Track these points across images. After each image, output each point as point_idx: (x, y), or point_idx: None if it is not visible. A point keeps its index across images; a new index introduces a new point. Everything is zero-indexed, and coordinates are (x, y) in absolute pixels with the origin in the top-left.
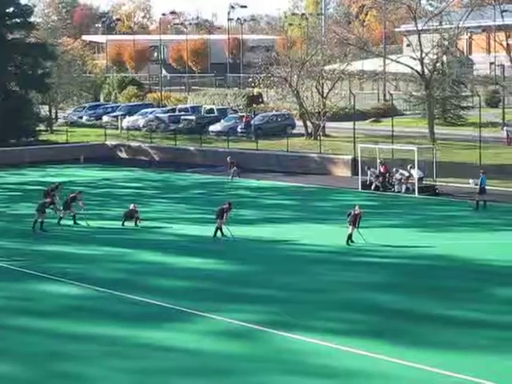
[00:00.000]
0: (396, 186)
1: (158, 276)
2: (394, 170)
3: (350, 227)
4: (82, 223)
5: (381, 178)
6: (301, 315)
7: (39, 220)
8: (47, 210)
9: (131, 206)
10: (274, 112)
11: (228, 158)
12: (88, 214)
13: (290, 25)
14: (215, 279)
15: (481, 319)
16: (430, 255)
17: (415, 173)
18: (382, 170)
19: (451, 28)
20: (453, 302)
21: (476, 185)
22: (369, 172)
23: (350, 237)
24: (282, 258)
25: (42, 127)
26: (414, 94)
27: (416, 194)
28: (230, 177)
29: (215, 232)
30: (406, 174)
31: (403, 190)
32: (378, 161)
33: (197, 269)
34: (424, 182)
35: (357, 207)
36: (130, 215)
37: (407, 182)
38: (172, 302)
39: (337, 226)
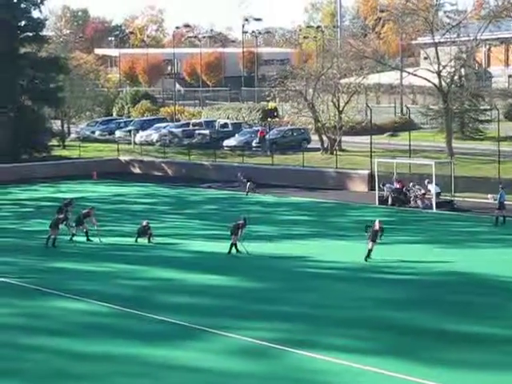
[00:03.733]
0: (412, 202)
1: (172, 293)
2: (411, 184)
3: (370, 243)
4: (95, 240)
5: (397, 194)
6: (316, 333)
7: (52, 236)
8: (61, 227)
9: (144, 223)
10: (290, 126)
11: (238, 174)
12: (101, 230)
13: (305, 38)
14: (229, 296)
15: (500, 336)
16: (448, 271)
17: (432, 188)
18: (397, 186)
19: (469, 40)
20: (471, 318)
21: (495, 200)
22: (385, 188)
23: (369, 253)
24: (298, 274)
25: (54, 142)
26: (431, 107)
27: (434, 210)
28: (245, 192)
29: (230, 248)
30: (422, 190)
31: (421, 206)
32: (394, 177)
33: (211, 286)
34: (441, 197)
35: (376, 222)
36: (143, 232)
37: (423, 198)
38: (186, 319)
39: (354, 242)
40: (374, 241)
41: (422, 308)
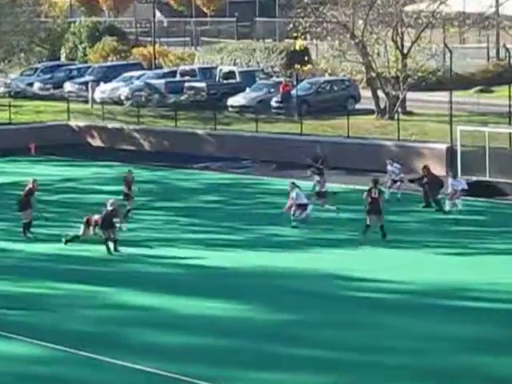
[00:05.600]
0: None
1: (153, 328)
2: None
3: None
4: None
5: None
6: None
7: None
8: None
9: (109, 206)
10: (328, 77)
11: (318, 150)
12: (38, 232)
13: None
14: (237, 333)
15: None
16: None
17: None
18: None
19: None
20: None
21: None
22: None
23: None
24: (338, 300)
25: None
26: None
27: None
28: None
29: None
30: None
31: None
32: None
33: (210, 317)
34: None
35: None
36: (108, 221)
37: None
38: (175, 367)
39: (421, 251)
40: None
41: None
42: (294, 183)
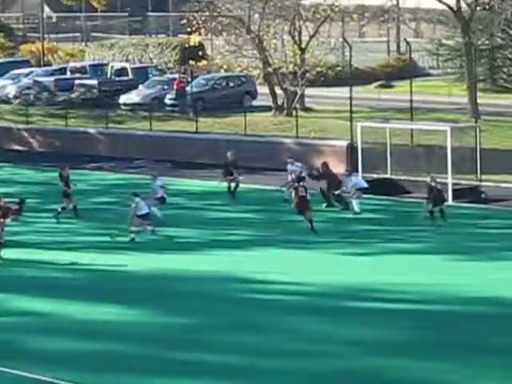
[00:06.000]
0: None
1: (43, 334)
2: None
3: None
4: None
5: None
6: None
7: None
8: None
9: None
10: (224, 73)
11: (228, 155)
12: None
13: None
14: (140, 339)
15: None
16: (466, 297)
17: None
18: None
19: None
20: (502, 370)
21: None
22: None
23: (431, 214)
24: (241, 303)
25: None
26: (444, 42)
27: (450, 202)
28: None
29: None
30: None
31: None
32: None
33: (107, 323)
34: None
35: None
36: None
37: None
38: (64, 374)
39: (326, 252)
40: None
41: (426, 354)
42: (134, 193)
